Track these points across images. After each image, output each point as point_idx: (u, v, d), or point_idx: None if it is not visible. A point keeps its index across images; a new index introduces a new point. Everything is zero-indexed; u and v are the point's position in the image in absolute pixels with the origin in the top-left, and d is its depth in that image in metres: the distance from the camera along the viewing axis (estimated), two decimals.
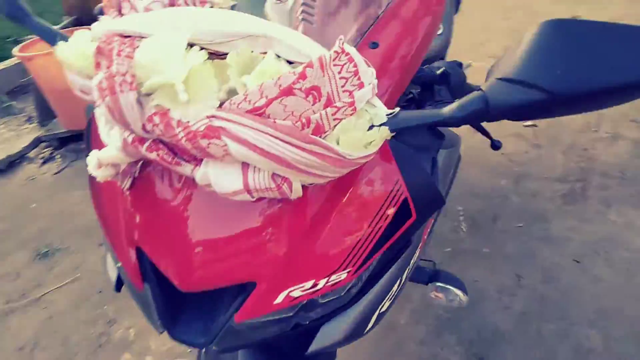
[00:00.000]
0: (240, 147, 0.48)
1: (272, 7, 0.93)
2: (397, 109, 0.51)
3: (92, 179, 0.69)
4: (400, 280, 0.73)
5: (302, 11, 0.86)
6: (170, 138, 0.49)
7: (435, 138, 0.82)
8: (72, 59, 0.54)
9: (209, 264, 0.57)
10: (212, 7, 0.64)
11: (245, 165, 0.51)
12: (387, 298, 0.72)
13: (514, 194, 2.10)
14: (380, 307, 0.72)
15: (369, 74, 0.51)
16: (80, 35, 0.55)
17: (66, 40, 0.56)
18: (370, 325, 0.71)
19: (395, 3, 0.80)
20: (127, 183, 0.61)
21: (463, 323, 1.57)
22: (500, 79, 0.48)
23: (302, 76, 0.47)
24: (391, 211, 0.60)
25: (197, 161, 0.53)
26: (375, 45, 0.71)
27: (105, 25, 0.54)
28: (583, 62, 0.45)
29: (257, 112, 0.48)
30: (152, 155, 0.53)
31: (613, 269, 1.70)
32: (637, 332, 1.47)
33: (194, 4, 0.60)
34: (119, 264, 0.67)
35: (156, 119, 0.49)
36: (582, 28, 0.47)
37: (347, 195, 0.59)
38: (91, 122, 0.74)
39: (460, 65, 0.92)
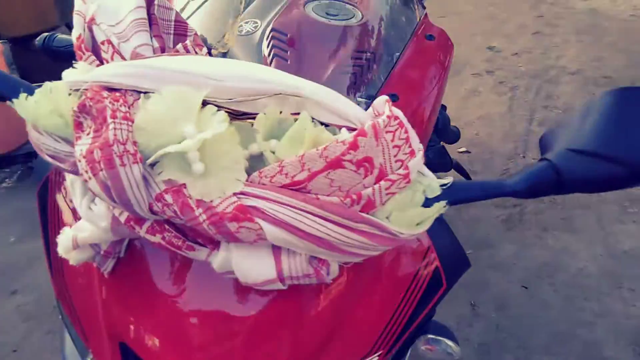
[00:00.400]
0: (277, 231, 0.39)
1: (236, 39, 0.84)
2: (451, 179, 0.45)
3: (51, 251, 0.56)
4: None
5: (273, 45, 0.78)
6: (187, 221, 0.39)
7: None
8: (40, 116, 0.42)
9: None
10: (209, 51, 0.54)
11: (277, 249, 0.42)
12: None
13: (459, 220, 2.15)
14: None
15: (416, 139, 0.44)
16: (52, 87, 0.43)
17: (31, 93, 0.43)
18: None
19: (409, 52, 0.75)
20: (109, 266, 0.49)
21: None
22: (571, 149, 0.44)
23: (354, 146, 0.39)
24: (423, 284, 0.54)
25: (214, 244, 0.43)
26: (395, 97, 0.65)
27: (86, 75, 0.43)
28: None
29: (297, 187, 0.40)
30: (155, 239, 0.42)
31: (558, 294, 1.77)
32: (592, 355, 1.53)
33: (194, 49, 0.50)
34: (90, 358, 0.54)
35: (168, 198, 0.39)
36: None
37: (378, 271, 0.52)
38: (48, 185, 0.60)
39: (444, 108, 0.90)
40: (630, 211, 2.18)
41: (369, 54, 0.76)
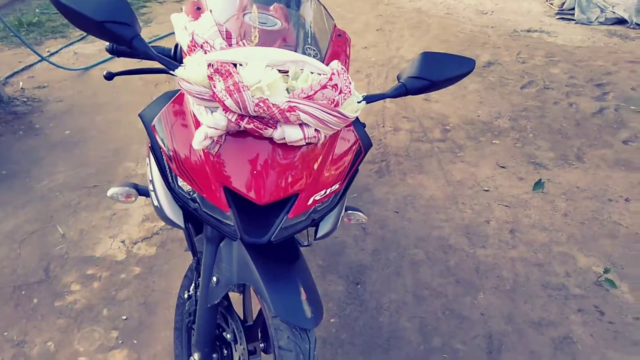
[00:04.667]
0: (305, 116, 0.99)
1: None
2: (365, 94, 1.10)
3: (174, 146, 1.07)
4: (345, 201, 1.32)
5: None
6: (269, 114, 0.97)
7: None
8: (192, 76, 0.97)
9: (277, 185, 1.04)
10: (255, 38, 1.13)
11: (301, 126, 1.02)
12: (343, 209, 1.30)
13: None
14: (341, 214, 1.30)
15: (350, 78, 1.09)
16: (194, 62, 0.98)
17: (176, 67, 0.98)
18: (339, 223, 1.28)
19: (332, 42, 1.38)
20: (217, 149, 1.03)
21: (339, 265, 2.22)
22: (409, 77, 1.12)
23: (330, 79, 1.01)
24: (354, 151, 1.18)
25: (274, 127, 1.01)
26: None
27: (214, 56, 0.99)
28: (437, 69, 1.13)
29: (309, 98, 1.01)
30: (250, 126, 0.99)
31: (418, 212, 2.59)
32: (442, 244, 2.36)
33: (244, 44, 1.07)
34: (195, 194, 1.07)
35: (261, 104, 0.97)
36: (435, 55, 1.15)
37: (335, 144, 1.15)
38: (159, 116, 1.10)
39: None
40: (459, 155, 3.13)
41: (309, 43, 1.38)
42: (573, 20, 5.58)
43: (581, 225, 2.54)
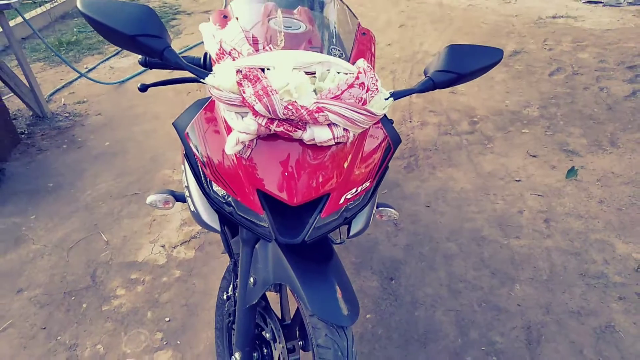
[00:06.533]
0: (333, 116, 0.98)
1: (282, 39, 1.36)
2: (392, 90, 1.08)
3: (206, 150, 1.07)
4: (376, 199, 1.30)
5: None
6: (297, 116, 0.97)
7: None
8: (222, 83, 0.97)
9: (309, 185, 1.03)
10: (281, 42, 1.13)
11: (330, 126, 1.01)
12: (374, 206, 1.28)
13: None
14: (373, 211, 1.28)
15: (376, 76, 1.06)
16: (223, 69, 0.98)
17: (206, 75, 0.98)
18: (371, 220, 1.26)
19: (357, 41, 1.36)
20: (248, 153, 1.03)
21: (372, 261, 2.20)
22: (436, 70, 1.10)
23: (357, 78, 1.00)
24: (383, 148, 1.16)
25: (303, 128, 1.01)
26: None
27: (242, 62, 0.99)
28: (464, 61, 1.10)
29: (337, 98, 1.00)
30: (279, 129, 0.98)
31: (450, 206, 2.54)
32: (475, 236, 2.31)
33: (271, 49, 1.06)
34: (230, 198, 1.07)
35: (290, 107, 0.96)
36: (462, 47, 1.12)
37: (364, 142, 1.13)
38: (192, 125, 1.11)
39: None
40: (488, 146, 3.06)
41: (334, 43, 1.36)
42: (601, 3, 5.38)
43: (618, 212, 2.44)
